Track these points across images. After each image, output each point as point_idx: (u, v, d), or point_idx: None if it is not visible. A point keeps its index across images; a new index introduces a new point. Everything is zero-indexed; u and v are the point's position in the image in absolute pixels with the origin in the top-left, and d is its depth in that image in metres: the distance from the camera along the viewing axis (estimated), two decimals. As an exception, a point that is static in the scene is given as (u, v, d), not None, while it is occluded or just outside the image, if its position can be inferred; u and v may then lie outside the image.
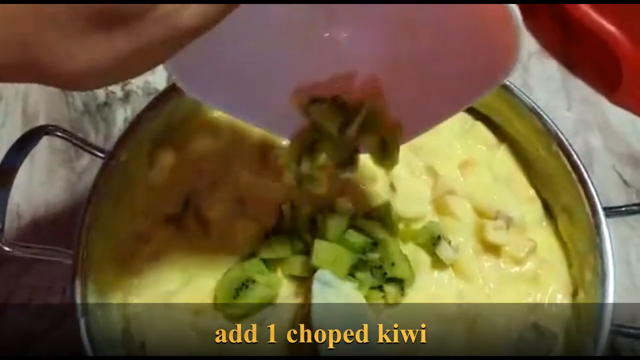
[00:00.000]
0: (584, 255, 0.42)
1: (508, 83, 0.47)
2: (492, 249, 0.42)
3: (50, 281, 0.51)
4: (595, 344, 0.38)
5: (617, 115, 0.59)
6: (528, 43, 0.62)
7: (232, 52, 0.33)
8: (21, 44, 0.24)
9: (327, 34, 0.34)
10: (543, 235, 0.45)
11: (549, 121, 0.45)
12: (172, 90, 0.45)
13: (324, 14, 0.33)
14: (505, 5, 0.28)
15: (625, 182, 0.56)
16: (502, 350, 0.40)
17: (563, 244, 0.45)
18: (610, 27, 0.56)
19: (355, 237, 0.41)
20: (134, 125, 0.45)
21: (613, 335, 0.39)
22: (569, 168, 0.43)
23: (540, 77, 0.60)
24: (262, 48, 0.33)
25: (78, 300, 0.39)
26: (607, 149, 0.57)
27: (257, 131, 0.47)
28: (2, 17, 0.24)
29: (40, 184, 0.55)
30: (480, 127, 0.48)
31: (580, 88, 0.60)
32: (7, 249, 0.39)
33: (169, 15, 0.24)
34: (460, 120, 0.49)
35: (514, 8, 0.28)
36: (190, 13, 0.24)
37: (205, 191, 0.45)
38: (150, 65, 0.27)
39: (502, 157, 0.48)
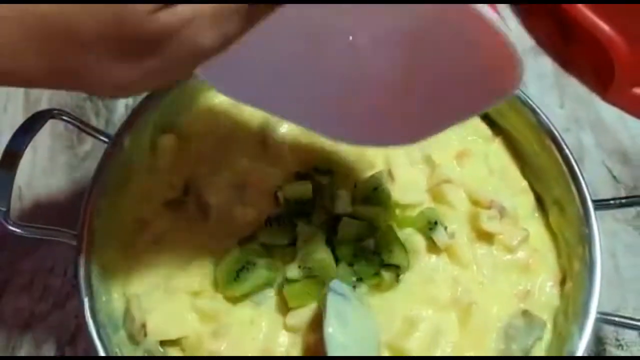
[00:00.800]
0: (573, 246, 0.44)
1: None
2: (486, 237, 0.44)
3: (51, 264, 0.52)
4: (581, 332, 0.40)
5: (609, 112, 0.60)
6: (523, 40, 0.63)
7: (257, 53, 0.34)
8: (60, 58, 0.26)
9: (350, 38, 0.35)
10: (535, 226, 0.46)
11: (543, 116, 0.47)
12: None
13: (348, 18, 0.34)
14: (510, 48, 0.30)
15: (614, 177, 0.57)
16: (493, 337, 0.41)
17: (553, 235, 0.46)
18: (605, 27, 0.57)
19: (352, 227, 0.43)
20: (137, 111, 0.46)
21: (598, 323, 0.41)
22: (561, 162, 0.45)
23: (534, 74, 0.61)
24: (286, 49, 0.35)
25: (82, 280, 0.40)
26: (598, 145, 0.59)
27: (257, 118, 0.48)
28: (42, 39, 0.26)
29: (42, 169, 0.56)
30: (476, 120, 0.50)
31: (574, 86, 0.61)
32: (12, 228, 0.40)
33: (191, 39, 0.26)
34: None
35: (517, 52, 0.30)
36: (211, 35, 0.26)
37: (205, 176, 0.46)
38: (178, 78, 0.30)
39: (497, 149, 0.49)
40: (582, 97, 0.61)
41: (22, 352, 0.49)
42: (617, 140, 0.59)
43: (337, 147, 0.46)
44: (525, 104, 0.47)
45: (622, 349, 0.51)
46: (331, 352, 0.37)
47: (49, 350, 0.49)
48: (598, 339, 0.52)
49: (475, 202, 0.45)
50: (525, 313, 0.43)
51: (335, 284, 0.40)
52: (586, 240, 0.42)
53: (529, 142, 0.48)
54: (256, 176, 0.45)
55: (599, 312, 0.41)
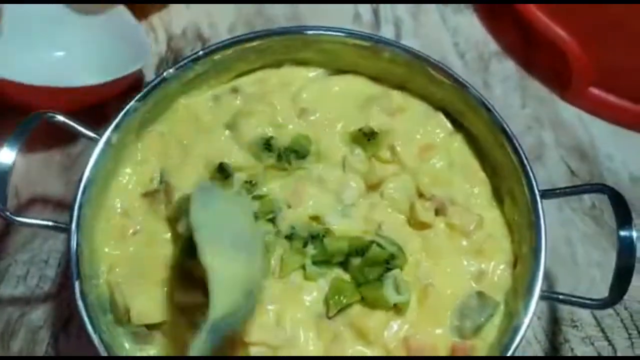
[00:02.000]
0: (523, 232, 0.47)
1: (462, 81, 0.52)
2: (420, 225, 0.48)
3: (46, 256, 0.56)
4: (526, 309, 0.44)
5: (568, 112, 0.64)
6: (489, 45, 0.68)
7: None
8: None
9: None
10: (491, 214, 0.50)
11: (496, 114, 0.50)
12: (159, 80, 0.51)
13: None
14: None
15: (572, 172, 0.62)
16: (448, 315, 0.45)
17: (507, 222, 0.50)
18: (562, 33, 0.62)
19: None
20: (124, 112, 0.50)
21: (543, 300, 0.44)
22: (512, 155, 0.49)
23: (498, 77, 0.66)
24: None
25: (73, 264, 0.44)
26: (558, 142, 0.63)
27: (226, 111, 0.53)
28: None
29: (37, 169, 0.60)
30: (440, 116, 0.54)
31: (535, 87, 0.65)
32: (11, 216, 0.44)
33: None
34: (423, 108, 0.54)
35: None
36: None
37: (176, 167, 0.51)
38: None
39: (459, 145, 0.53)
40: (543, 98, 0.65)
41: (20, 337, 0.53)
42: (575, 138, 0.63)
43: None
44: (480, 103, 0.51)
45: (578, 329, 0.55)
46: (196, 233, 0.39)
47: (44, 335, 0.53)
48: (554, 320, 0.56)
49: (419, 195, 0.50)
50: (479, 294, 0.46)
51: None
52: (533, 226, 0.46)
53: (485, 138, 0.52)
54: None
55: (543, 290, 0.44)
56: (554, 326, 0.55)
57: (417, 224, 0.49)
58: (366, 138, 0.51)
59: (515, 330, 0.43)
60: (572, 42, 0.61)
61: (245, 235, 0.43)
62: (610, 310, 0.56)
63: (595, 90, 0.63)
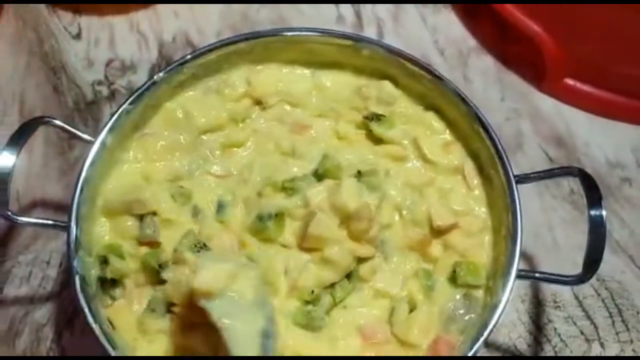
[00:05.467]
0: (501, 215, 0.50)
1: (439, 74, 0.54)
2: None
3: (48, 257, 0.58)
4: (504, 287, 0.46)
5: (545, 102, 0.67)
6: (468, 40, 0.70)
7: None
8: None
9: None
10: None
11: (471, 104, 0.53)
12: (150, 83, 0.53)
13: None
14: None
15: (550, 159, 0.64)
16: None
17: (491, 208, 0.53)
18: (536, 28, 0.64)
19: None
20: (118, 114, 0.52)
21: (521, 279, 0.47)
22: (488, 142, 0.51)
23: (478, 71, 0.68)
24: None
25: (73, 260, 0.46)
26: (536, 131, 0.65)
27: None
28: None
29: (37, 174, 0.62)
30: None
31: (513, 80, 0.68)
32: (15, 217, 0.47)
33: None
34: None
35: None
36: None
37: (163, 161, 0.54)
38: None
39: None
40: (521, 90, 0.67)
41: (25, 336, 0.55)
42: (552, 127, 0.66)
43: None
44: (456, 94, 0.53)
45: (560, 309, 0.58)
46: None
47: (47, 333, 0.55)
48: (538, 302, 0.58)
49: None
50: (465, 295, 0.49)
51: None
52: (510, 209, 0.48)
53: (463, 129, 0.54)
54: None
55: (520, 270, 0.47)
56: (537, 308, 0.58)
57: None
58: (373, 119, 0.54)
59: (494, 308, 0.46)
60: (547, 37, 0.64)
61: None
62: (591, 291, 0.59)
63: (570, 81, 0.66)
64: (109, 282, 0.49)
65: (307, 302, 0.48)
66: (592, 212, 0.46)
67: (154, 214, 0.50)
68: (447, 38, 0.70)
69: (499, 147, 0.51)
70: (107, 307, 0.48)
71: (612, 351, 0.56)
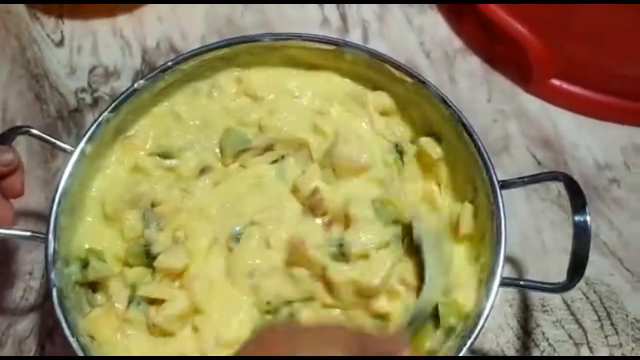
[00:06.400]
0: (485, 222, 0.49)
1: (422, 78, 0.53)
2: None
3: (30, 268, 0.58)
4: (488, 294, 0.45)
5: (531, 103, 0.66)
6: (454, 42, 0.70)
7: None
8: None
9: None
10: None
11: (454, 108, 0.52)
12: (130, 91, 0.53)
13: None
14: None
15: (538, 161, 0.63)
16: None
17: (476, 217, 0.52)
18: (521, 29, 0.63)
19: None
20: (98, 123, 0.52)
21: (505, 286, 0.46)
22: (472, 147, 0.50)
23: (464, 72, 0.68)
24: None
25: (51, 273, 0.46)
26: (523, 133, 0.65)
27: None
28: None
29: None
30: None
31: (500, 81, 0.67)
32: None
33: None
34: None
35: None
36: None
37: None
38: None
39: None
40: (508, 91, 0.67)
41: (7, 348, 0.55)
42: (539, 128, 0.65)
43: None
44: (439, 98, 0.52)
45: (548, 313, 0.57)
46: None
47: (30, 344, 0.55)
48: (525, 307, 0.58)
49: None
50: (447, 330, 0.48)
51: None
52: (494, 215, 0.48)
53: (447, 133, 0.53)
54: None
55: (504, 277, 0.46)
56: (525, 312, 0.57)
57: None
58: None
59: (479, 316, 0.45)
60: (532, 38, 0.63)
61: None
62: (580, 294, 0.58)
63: (556, 82, 0.65)
64: (88, 288, 0.49)
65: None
66: (577, 218, 0.46)
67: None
68: (433, 39, 0.70)
69: (483, 151, 0.50)
70: (87, 315, 0.48)
71: (601, 355, 0.56)
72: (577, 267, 0.45)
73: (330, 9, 0.72)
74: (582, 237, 0.45)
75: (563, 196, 0.62)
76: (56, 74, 0.68)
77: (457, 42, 0.70)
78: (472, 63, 0.68)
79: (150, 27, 0.71)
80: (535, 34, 0.63)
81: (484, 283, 0.47)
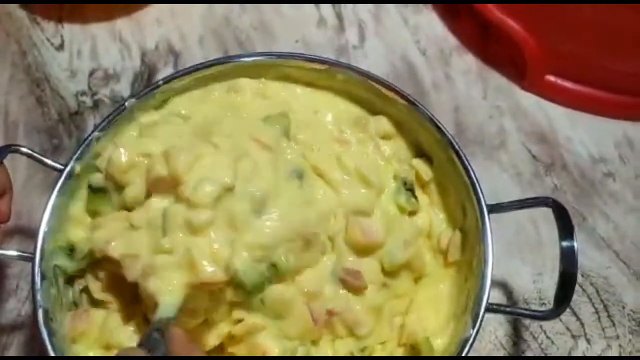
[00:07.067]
0: (473, 246, 0.49)
1: (412, 100, 0.53)
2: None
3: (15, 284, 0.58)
4: (474, 322, 0.45)
5: (527, 99, 0.67)
6: (450, 40, 0.70)
7: None
8: None
9: None
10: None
11: (444, 131, 0.51)
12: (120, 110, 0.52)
13: None
14: None
15: (534, 156, 0.64)
16: None
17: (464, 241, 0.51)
18: (517, 27, 0.64)
19: None
20: (88, 142, 0.51)
21: (490, 312, 0.46)
22: (461, 170, 0.50)
23: (459, 70, 0.68)
24: None
25: (37, 294, 0.46)
26: (519, 129, 0.65)
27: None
28: None
29: (19, 190, 0.60)
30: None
31: (495, 78, 0.68)
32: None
33: None
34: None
35: None
36: None
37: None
38: None
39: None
40: (503, 88, 0.67)
41: (13, 349, 0.55)
42: (535, 124, 0.66)
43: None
44: (430, 120, 0.51)
45: (545, 306, 0.58)
46: None
47: (35, 345, 0.55)
48: (524, 300, 0.58)
49: None
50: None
51: None
52: (482, 240, 0.47)
53: (437, 155, 0.53)
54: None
55: (489, 303, 0.46)
56: (523, 305, 0.58)
57: None
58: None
59: (464, 344, 0.45)
60: (527, 35, 0.64)
61: None
62: (576, 287, 0.58)
63: (551, 78, 0.66)
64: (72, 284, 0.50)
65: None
66: (565, 244, 0.45)
67: None
68: (429, 38, 0.70)
69: (473, 175, 0.49)
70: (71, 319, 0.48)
71: (599, 347, 0.57)
72: (566, 292, 0.45)
73: (327, 8, 0.72)
74: (569, 263, 0.45)
75: (559, 189, 0.63)
76: (57, 77, 0.68)
77: (453, 40, 0.70)
78: (468, 61, 0.69)
79: (149, 29, 0.71)
80: (531, 32, 0.63)
81: (470, 308, 0.46)
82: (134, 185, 0.48)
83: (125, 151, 0.48)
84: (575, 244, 0.45)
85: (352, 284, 0.48)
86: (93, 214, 0.51)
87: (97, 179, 0.50)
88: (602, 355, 0.56)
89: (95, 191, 0.50)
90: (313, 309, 0.47)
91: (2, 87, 0.68)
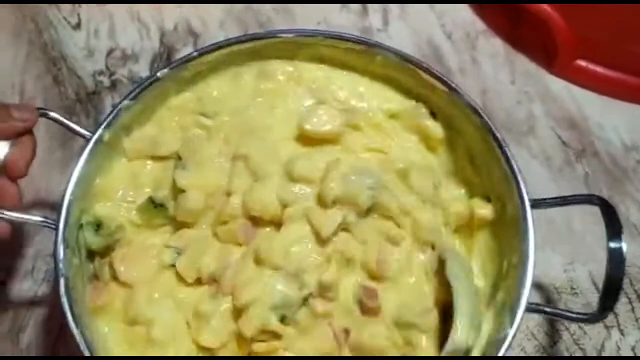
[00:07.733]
0: (512, 241, 0.46)
1: (455, 86, 0.50)
2: None
3: (50, 250, 0.56)
4: (512, 322, 0.43)
5: (556, 84, 0.65)
6: (476, 24, 0.69)
7: None
8: None
9: None
10: None
11: (487, 119, 0.49)
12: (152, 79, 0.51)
13: None
14: None
15: (563, 142, 0.62)
16: None
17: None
18: (548, 9, 0.62)
19: None
20: (117, 110, 0.50)
21: (530, 312, 0.44)
22: (503, 163, 0.47)
23: (486, 54, 0.67)
24: None
25: (59, 262, 0.45)
26: (548, 114, 0.64)
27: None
28: None
29: (39, 166, 0.60)
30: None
31: (523, 62, 0.66)
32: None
33: None
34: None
35: None
36: None
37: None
38: None
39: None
40: (531, 72, 0.66)
41: (29, 329, 0.54)
42: (564, 109, 0.64)
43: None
44: (472, 108, 0.49)
45: (578, 296, 0.56)
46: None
47: (52, 327, 0.54)
48: (555, 289, 0.57)
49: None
50: None
51: None
52: (522, 237, 0.45)
53: (476, 144, 0.50)
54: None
55: (530, 303, 0.44)
56: (554, 295, 0.56)
57: None
58: None
59: (501, 342, 0.43)
60: (557, 17, 0.62)
61: None
62: (608, 275, 0.57)
63: (581, 62, 0.64)
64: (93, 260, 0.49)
65: None
66: (612, 245, 0.43)
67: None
68: (455, 22, 0.69)
69: (516, 168, 0.47)
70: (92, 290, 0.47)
71: (632, 338, 0.55)
72: (611, 295, 0.43)
73: (350, -8, 0.71)
74: (616, 265, 0.42)
75: (590, 176, 0.61)
76: (74, 57, 0.67)
77: (479, 24, 0.68)
78: (495, 45, 0.67)
79: (168, 10, 0.70)
80: (561, 15, 0.62)
81: (508, 307, 0.45)
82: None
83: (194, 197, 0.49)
84: (623, 247, 0.42)
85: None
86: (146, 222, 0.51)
87: (162, 195, 0.50)
88: (637, 346, 0.54)
89: (155, 206, 0.50)
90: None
91: (18, 65, 0.66)
